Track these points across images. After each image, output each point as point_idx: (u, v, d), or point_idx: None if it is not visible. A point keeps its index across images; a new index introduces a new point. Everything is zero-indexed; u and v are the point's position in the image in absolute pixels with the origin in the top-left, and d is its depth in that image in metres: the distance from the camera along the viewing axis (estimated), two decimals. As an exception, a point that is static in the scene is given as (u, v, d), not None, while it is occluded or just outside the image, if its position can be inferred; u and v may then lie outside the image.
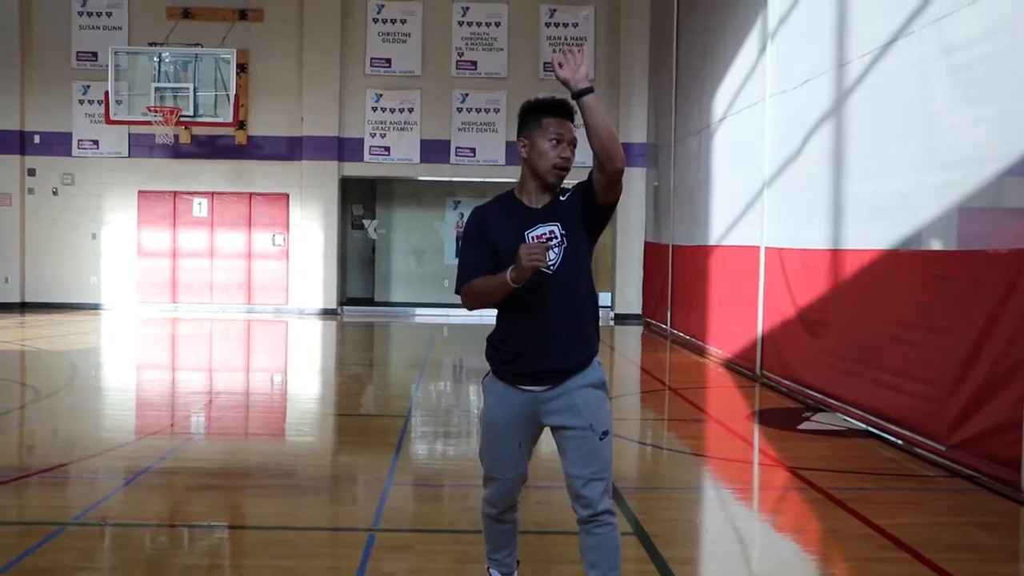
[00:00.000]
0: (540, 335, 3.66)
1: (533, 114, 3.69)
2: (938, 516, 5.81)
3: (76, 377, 11.10)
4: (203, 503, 6.00)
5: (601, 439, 3.66)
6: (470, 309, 3.81)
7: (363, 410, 9.81)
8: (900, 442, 7.62)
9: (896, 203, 7.97)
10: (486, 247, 3.70)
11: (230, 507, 6.01)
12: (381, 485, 6.34)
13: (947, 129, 7.14)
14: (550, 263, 3.60)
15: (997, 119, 6.46)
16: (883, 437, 7.89)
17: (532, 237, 3.65)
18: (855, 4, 8.95)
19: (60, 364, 12.08)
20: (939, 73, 7.22)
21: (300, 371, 13.09)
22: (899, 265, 7.90)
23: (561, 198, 3.73)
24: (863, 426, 8.31)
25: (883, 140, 8.27)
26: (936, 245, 7.49)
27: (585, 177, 3.66)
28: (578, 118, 3.53)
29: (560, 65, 3.46)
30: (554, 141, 3.62)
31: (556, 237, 3.65)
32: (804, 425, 8.69)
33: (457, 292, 3.79)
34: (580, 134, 3.61)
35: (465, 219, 21.55)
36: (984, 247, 6.79)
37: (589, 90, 3.43)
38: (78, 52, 19.30)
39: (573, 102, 3.53)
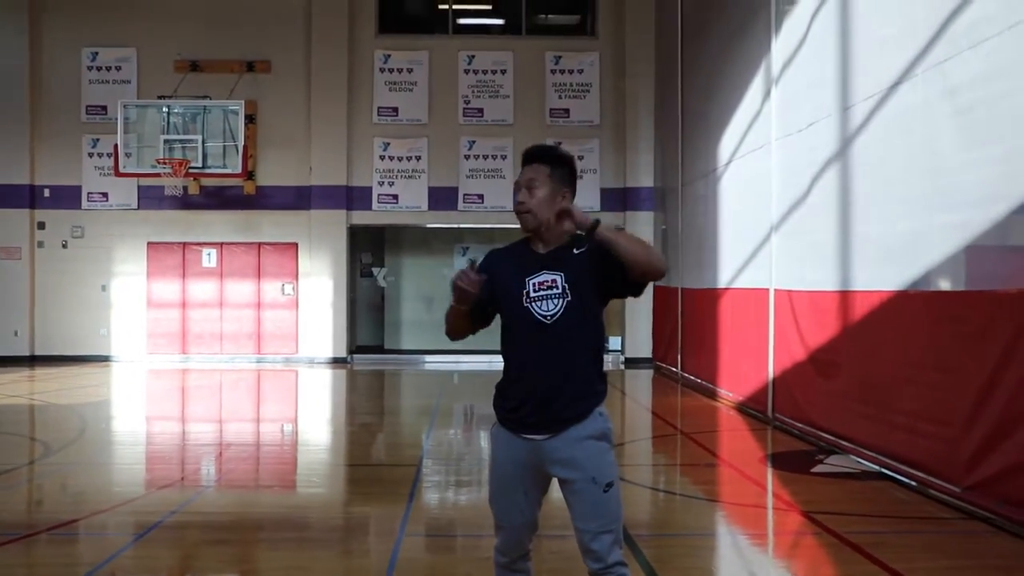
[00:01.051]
0: (540, 384, 3.66)
1: None
2: (956, 559, 5.75)
3: (86, 431, 11.09)
4: (215, 557, 5.98)
5: (605, 491, 3.63)
6: (448, 336, 3.94)
7: (374, 459, 9.78)
8: (914, 484, 7.56)
9: (904, 244, 7.97)
10: (484, 287, 3.73)
11: (242, 561, 5.98)
12: (393, 536, 6.31)
13: (952, 170, 7.16)
14: (549, 314, 3.65)
15: (1002, 160, 6.48)
16: (897, 479, 7.83)
17: (534, 284, 3.69)
18: (858, 48, 9.02)
19: (70, 418, 12.07)
20: (943, 115, 7.26)
21: (311, 421, 13.07)
22: (909, 306, 7.88)
23: (575, 249, 3.73)
24: (877, 468, 8.25)
25: (889, 182, 8.29)
26: (945, 286, 7.48)
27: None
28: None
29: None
30: (516, 187, 3.78)
31: (556, 287, 3.67)
32: (817, 468, 8.63)
33: None
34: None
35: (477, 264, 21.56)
36: (993, 287, 6.78)
37: (596, 223, 3.57)
38: (87, 106, 19.50)
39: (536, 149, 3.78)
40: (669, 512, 7.59)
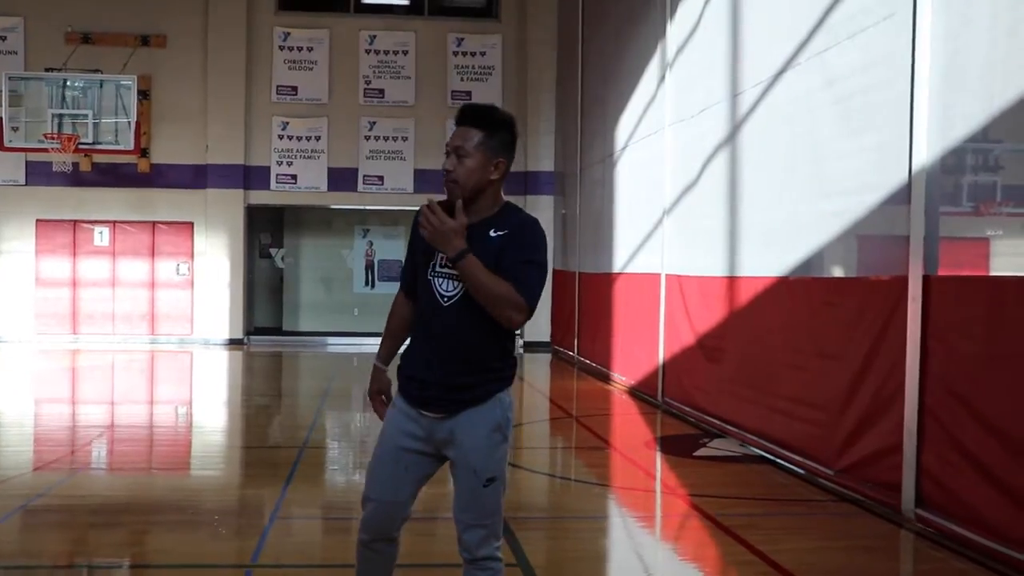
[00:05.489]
0: (437, 363, 3.42)
1: None
2: (822, 540, 5.85)
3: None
4: (70, 541, 5.76)
5: (485, 486, 3.40)
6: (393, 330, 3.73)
7: (258, 442, 9.58)
8: (792, 467, 7.68)
9: (787, 231, 8.09)
10: (419, 252, 3.49)
11: (97, 544, 5.77)
12: (263, 519, 6.17)
13: (831, 158, 7.28)
14: (447, 295, 3.37)
15: (876, 149, 6.60)
16: (777, 463, 7.96)
17: (442, 257, 3.37)
18: (747, 35, 9.11)
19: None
20: (823, 103, 7.37)
21: (202, 403, 12.79)
22: (790, 292, 8.01)
23: (492, 232, 3.37)
24: (759, 452, 8.37)
25: (774, 169, 8.41)
26: (823, 272, 7.61)
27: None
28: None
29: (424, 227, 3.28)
30: (446, 151, 3.42)
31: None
32: (701, 451, 8.71)
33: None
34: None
35: (373, 247, 21.43)
36: (867, 274, 6.93)
37: (461, 254, 3.24)
38: (-29, 77, 18.71)
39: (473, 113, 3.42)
40: (550, 494, 7.57)
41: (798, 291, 7.87)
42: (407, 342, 3.61)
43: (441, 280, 3.40)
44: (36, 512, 6.37)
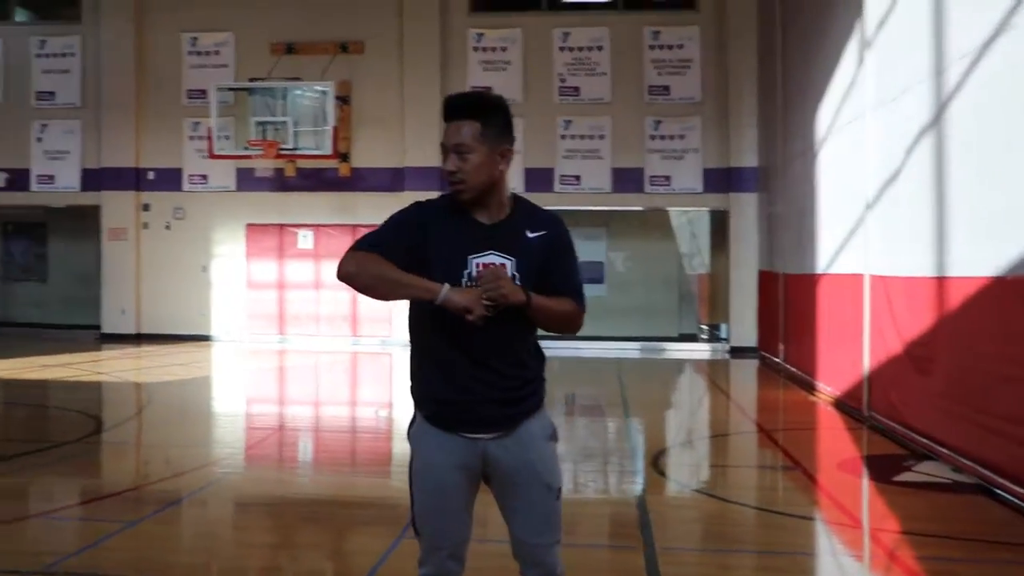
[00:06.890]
0: (486, 376, 3.09)
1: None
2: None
3: (147, 409, 10.92)
4: (195, 549, 5.52)
5: (557, 499, 3.21)
6: (350, 280, 3.16)
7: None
8: (1015, 500, 6.55)
9: (1004, 223, 6.95)
10: (407, 245, 3.14)
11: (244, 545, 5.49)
12: (396, 530, 5.72)
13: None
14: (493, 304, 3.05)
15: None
16: (996, 493, 6.83)
17: (478, 264, 3.08)
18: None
19: (137, 396, 11.98)
20: (1046, 71, 6.25)
21: (399, 405, 12.71)
22: (1008, 293, 6.87)
23: (529, 232, 3.18)
24: (975, 480, 7.25)
25: (986, 152, 7.26)
26: (1047, 270, 6.46)
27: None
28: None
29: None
30: (443, 151, 3.11)
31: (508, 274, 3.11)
32: (904, 476, 7.66)
33: (351, 250, 3.18)
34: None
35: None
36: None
37: (525, 303, 3.07)
38: (188, 90, 19.61)
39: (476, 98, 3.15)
40: (732, 522, 6.74)
41: (1017, 292, 6.73)
42: (432, 366, 3.18)
43: None
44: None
